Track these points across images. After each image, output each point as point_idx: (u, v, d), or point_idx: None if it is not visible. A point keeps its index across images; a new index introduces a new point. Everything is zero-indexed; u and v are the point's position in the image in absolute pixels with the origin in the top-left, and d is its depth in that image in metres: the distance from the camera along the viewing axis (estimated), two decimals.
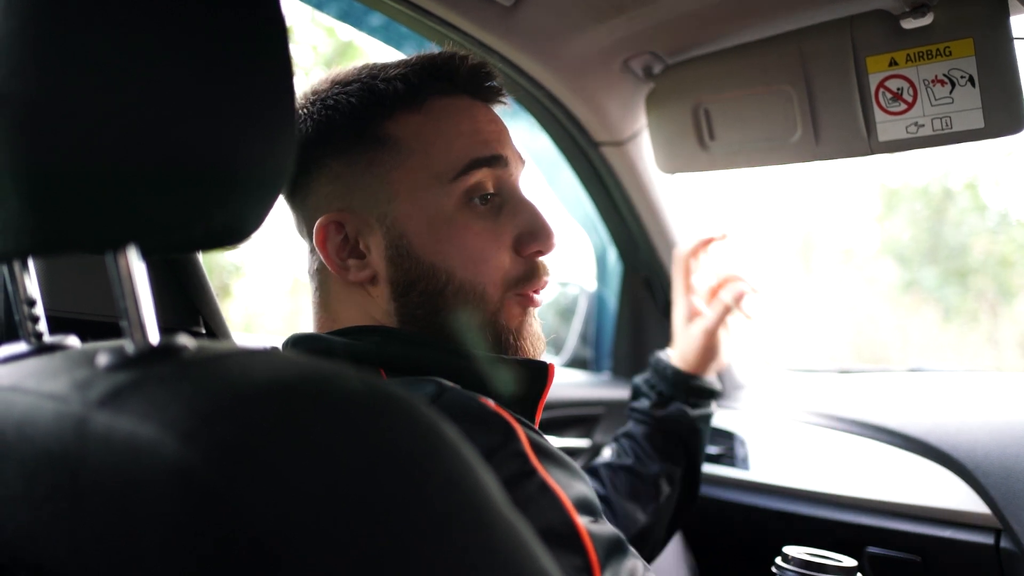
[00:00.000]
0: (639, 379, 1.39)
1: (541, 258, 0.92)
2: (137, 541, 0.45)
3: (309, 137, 0.90)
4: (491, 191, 0.89)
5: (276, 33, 0.52)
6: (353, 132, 0.88)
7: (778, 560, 1.08)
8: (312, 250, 0.92)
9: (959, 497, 1.28)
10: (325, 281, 0.93)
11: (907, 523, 1.34)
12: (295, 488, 0.40)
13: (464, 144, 0.88)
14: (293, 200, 0.94)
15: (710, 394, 1.34)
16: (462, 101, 0.91)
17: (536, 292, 0.92)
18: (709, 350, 1.34)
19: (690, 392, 1.33)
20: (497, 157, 0.89)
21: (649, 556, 1.31)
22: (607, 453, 1.38)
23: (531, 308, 0.92)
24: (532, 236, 0.90)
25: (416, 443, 0.45)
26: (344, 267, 0.89)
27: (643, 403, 1.36)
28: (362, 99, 0.89)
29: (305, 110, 0.91)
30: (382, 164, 0.88)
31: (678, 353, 1.37)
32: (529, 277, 0.91)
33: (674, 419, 1.32)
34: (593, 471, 1.34)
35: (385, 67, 0.91)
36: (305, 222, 0.92)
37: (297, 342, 0.89)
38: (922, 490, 1.33)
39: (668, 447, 1.31)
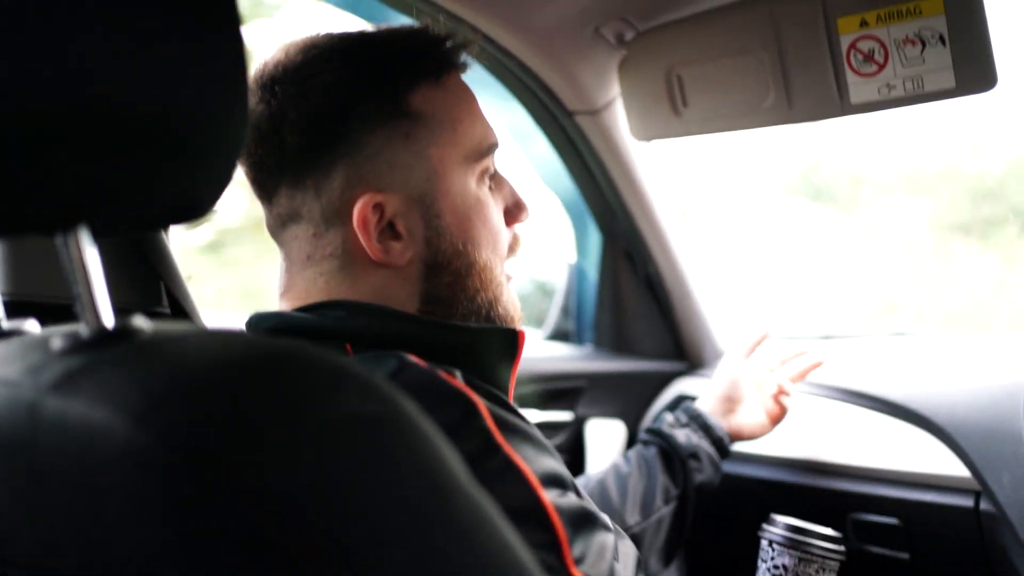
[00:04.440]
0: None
1: (518, 229, 0.96)
2: (98, 525, 0.45)
3: (328, 112, 0.84)
4: (492, 170, 0.93)
5: (227, 5, 0.50)
6: (385, 106, 0.85)
7: (765, 525, 1.09)
8: (317, 234, 0.86)
9: (939, 461, 1.28)
10: (343, 266, 0.87)
11: (889, 488, 1.34)
12: (249, 467, 0.40)
13: (482, 127, 0.91)
14: (299, 183, 0.86)
15: (722, 448, 1.34)
16: (462, 79, 0.92)
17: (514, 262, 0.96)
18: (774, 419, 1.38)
19: (705, 430, 1.33)
20: (498, 145, 0.93)
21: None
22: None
23: (511, 282, 0.95)
24: (517, 207, 0.95)
25: (372, 419, 0.45)
26: (385, 250, 0.85)
27: (657, 424, 1.36)
28: (389, 71, 0.85)
29: (310, 82, 0.84)
30: (418, 140, 0.86)
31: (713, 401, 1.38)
32: (513, 248, 0.95)
33: (680, 440, 1.31)
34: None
35: (393, 37, 0.88)
36: (320, 204, 0.85)
37: (261, 320, 0.87)
38: (903, 455, 1.34)
39: (670, 465, 1.30)
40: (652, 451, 1.30)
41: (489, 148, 0.91)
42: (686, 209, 1.74)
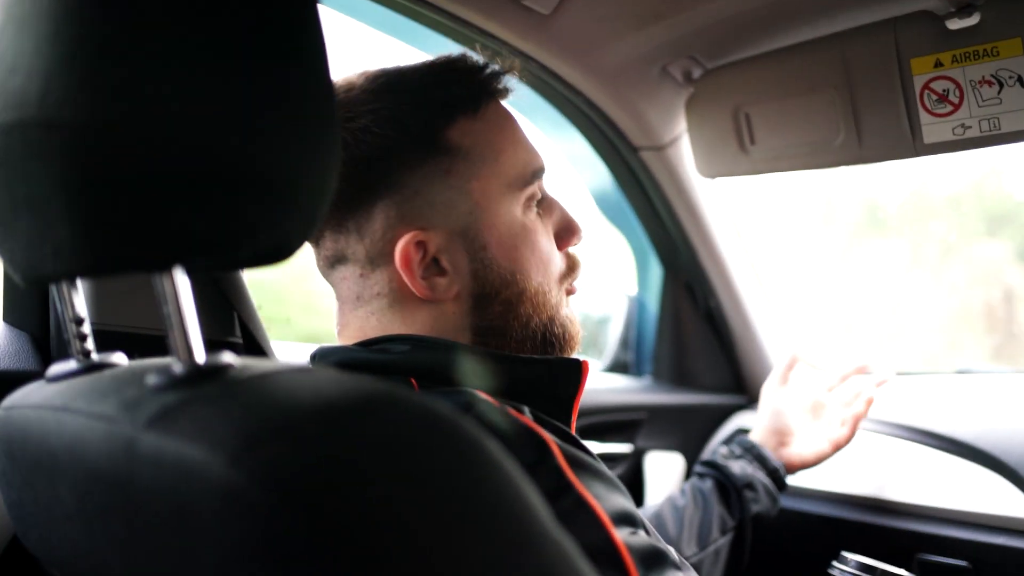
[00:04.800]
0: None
1: (573, 250, 0.95)
2: (190, 561, 0.46)
3: (365, 153, 0.84)
4: (540, 195, 0.92)
5: (314, 47, 0.52)
6: (423, 144, 0.85)
7: (835, 563, 1.07)
8: (364, 275, 0.87)
9: (1010, 502, 1.25)
10: (392, 304, 0.87)
11: (957, 529, 1.31)
12: (344, 510, 0.41)
13: (526, 153, 0.90)
14: (341, 226, 0.87)
15: (778, 479, 1.33)
16: (503, 107, 0.91)
17: (576, 283, 0.95)
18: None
19: (761, 461, 1.32)
20: (545, 168, 0.92)
21: None
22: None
23: (571, 296, 0.95)
24: (568, 230, 0.94)
25: (461, 463, 0.45)
26: (430, 287, 0.85)
27: (711, 457, 1.36)
28: (424, 109, 0.85)
29: (348, 125, 0.84)
30: (459, 175, 0.86)
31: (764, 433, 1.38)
32: (572, 270, 0.94)
33: (735, 471, 1.30)
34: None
35: (429, 73, 0.88)
36: (364, 246, 0.86)
37: (326, 354, 0.87)
38: (972, 496, 1.31)
39: (725, 496, 1.29)
40: (708, 483, 1.30)
41: (534, 174, 0.90)
42: (748, 243, 1.74)
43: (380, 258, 0.86)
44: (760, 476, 1.30)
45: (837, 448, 1.36)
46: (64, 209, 0.50)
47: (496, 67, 0.90)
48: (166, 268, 0.51)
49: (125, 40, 0.48)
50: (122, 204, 0.49)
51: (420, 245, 0.85)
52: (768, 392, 1.42)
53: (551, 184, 0.95)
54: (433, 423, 0.46)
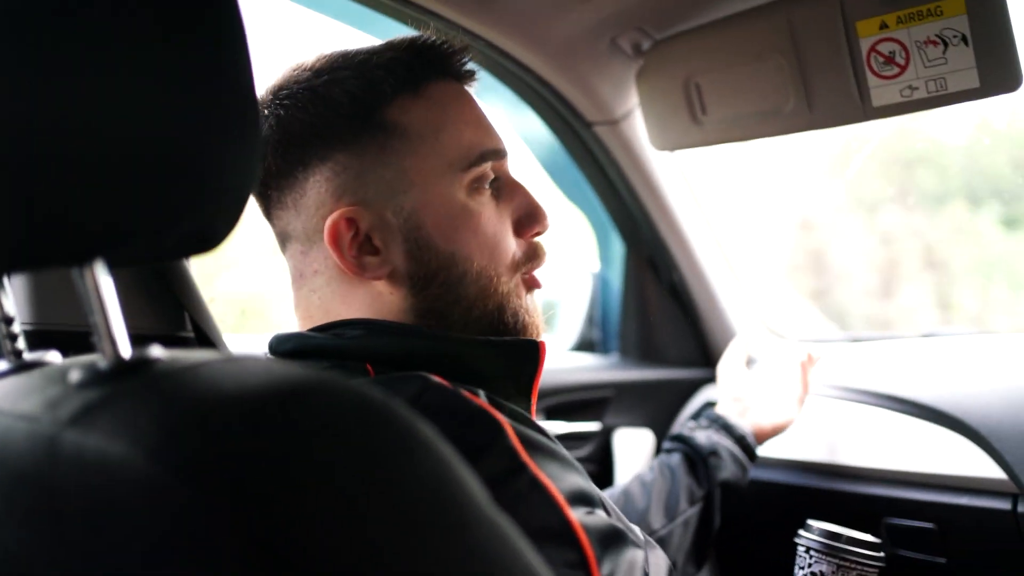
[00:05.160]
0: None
1: (538, 238, 0.93)
2: (118, 561, 0.44)
3: (299, 131, 0.85)
4: (492, 177, 0.89)
5: (235, 35, 0.51)
6: (357, 121, 0.85)
7: (801, 531, 1.08)
8: (304, 251, 0.88)
9: (975, 464, 1.26)
10: (329, 282, 0.88)
11: (923, 492, 1.32)
12: (266, 499, 0.39)
13: (473, 134, 0.88)
14: (281, 203, 0.88)
15: (746, 446, 1.33)
16: (453, 86, 0.90)
17: (537, 273, 0.93)
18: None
19: (727, 430, 1.33)
20: (501, 151, 0.90)
21: None
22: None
23: (535, 289, 0.93)
24: (530, 218, 0.91)
25: (390, 446, 0.44)
26: (360, 265, 0.85)
27: (677, 431, 1.36)
28: (361, 86, 0.84)
29: (286, 103, 0.85)
30: (394, 152, 0.85)
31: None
32: (531, 258, 0.92)
33: (701, 440, 1.31)
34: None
35: (372, 52, 0.87)
36: (301, 223, 0.87)
37: (282, 341, 0.87)
38: (937, 458, 1.32)
39: (692, 467, 1.29)
40: (675, 457, 1.30)
41: (482, 155, 0.88)
42: (709, 214, 1.73)
43: (316, 235, 0.86)
44: (726, 443, 1.30)
45: (802, 404, 1.38)
46: None
47: (445, 47, 0.89)
48: (85, 261, 0.50)
49: (37, 26, 0.46)
50: (32, 197, 0.47)
51: (351, 222, 0.84)
52: (725, 365, 1.45)
53: (515, 169, 0.93)
54: (362, 409, 0.45)
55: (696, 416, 1.40)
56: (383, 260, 0.85)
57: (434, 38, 0.88)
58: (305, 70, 0.87)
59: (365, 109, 0.85)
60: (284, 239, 0.90)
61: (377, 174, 0.85)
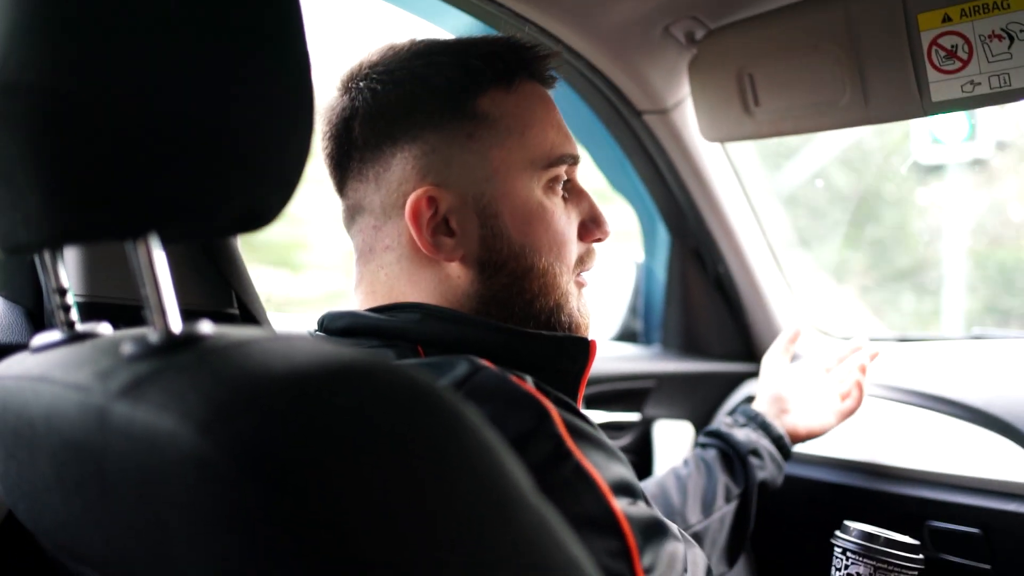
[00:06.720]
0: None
1: (594, 245, 0.96)
2: (164, 531, 0.45)
3: (394, 107, 0.87)
4: (565, 179, 0.93)
5: (292, 19, 0.51)
6: (452, 105, 0.87)
7: (838, 532, 1.06)
8: (377, 226, 0.90)
9: (1022, 469, 1.24)
10: (399, 259, 0.89)
11: (969, 496, 1.30)
12: (309, 480, 0.40)
13: (555, 136, 0.91)
14: (361, 175, 0.89)
15: (782, 446, 1.32)
16: (540, 88, 0.93)
17: (585, 274, 0.96)
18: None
19: (764, 429, 1.32)
20: (576, 156, 0.93)
21: None
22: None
23: (584, 289, 0.96)
24: (595, 223, 0.95)
25: (436, 431, 0.44)
26: (435, 245, 0.87)
27: (714, 426, 1.35)
28: (460, 73, 0.87)
29: (384, 78, 0.88)
30: (481, 140, 0.88)
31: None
32: (585, 261, 0.95)
33: (740, 438, 1.30)
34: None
35: (470, 43, 0.90)
36: (380, 197, 0.89)
37: (334, 319, 0.88)
38: (983, 462, 1.29)
39: (729, 464, 1.29)
40: (711, 452, 1.30)
41: (561, 158, 0.91)
42: (757, 207, 1.71)
43: (393, 210, 0.88)
44: (765, 443, 1.29)
45: (843, 418, 1.36)
46: (31, 177, 0.50)
47: (538, 50, 0.92)
48: (139, 235, 0.50)
49: (88, 10, 0.47)
50: (91, 171, 0.48)
51: (432, 201, 0.86)
52: (769, 361, 1.43)
53: (583, 178, 0.97)
54: (408, 391, 0.45)
55: (732, 412, 1.39)
56: (457, 243, 0.87)
57: (527, 41, 0.92)
58: (403, 50, 0.90)
59: (461, 95, 0.87)
60: (356, 212, 0.92)
61: (463, 159, 0.87)
